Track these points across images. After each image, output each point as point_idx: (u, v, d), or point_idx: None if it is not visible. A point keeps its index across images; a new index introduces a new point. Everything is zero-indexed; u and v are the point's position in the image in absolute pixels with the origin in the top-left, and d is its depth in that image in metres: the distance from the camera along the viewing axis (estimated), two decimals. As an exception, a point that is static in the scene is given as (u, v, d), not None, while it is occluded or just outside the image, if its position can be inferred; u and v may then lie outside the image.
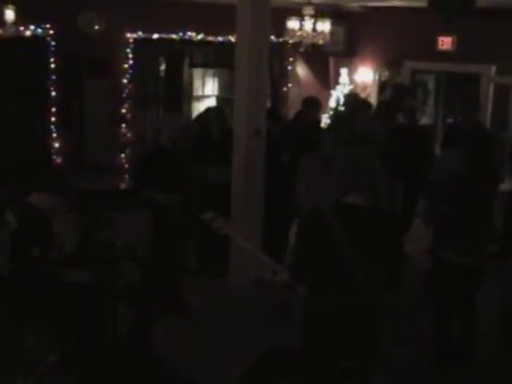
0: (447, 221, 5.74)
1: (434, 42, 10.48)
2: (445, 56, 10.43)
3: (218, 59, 11.82)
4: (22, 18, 8.76)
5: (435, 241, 6.29)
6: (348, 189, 4.14)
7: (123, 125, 10.62)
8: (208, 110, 8.56)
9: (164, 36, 10.63)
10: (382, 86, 11.45)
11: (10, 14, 8.33)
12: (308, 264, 4.20)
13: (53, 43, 9.86)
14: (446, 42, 10.39)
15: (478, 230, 5.72)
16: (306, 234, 4.37)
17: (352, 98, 10.65)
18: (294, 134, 8.04)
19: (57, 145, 10.21)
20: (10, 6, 8.40)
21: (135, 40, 10.51)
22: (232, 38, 9.42)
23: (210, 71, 12.75)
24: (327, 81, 12.08)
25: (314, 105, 8.35)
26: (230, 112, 8.14)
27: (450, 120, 10.89)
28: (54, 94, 10.03)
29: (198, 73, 12.51)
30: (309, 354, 4.24)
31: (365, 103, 9.29)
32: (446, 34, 10.22)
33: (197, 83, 12.55)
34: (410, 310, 7.02)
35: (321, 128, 8.74)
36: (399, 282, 7.47)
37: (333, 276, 4.08)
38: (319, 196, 6.00)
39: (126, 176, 10.59)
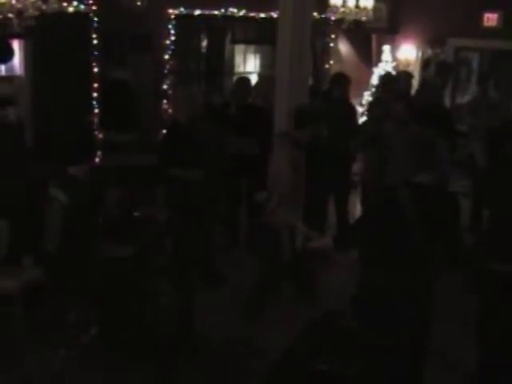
0: None
1: (479, 19, 10.28)
2: (490, 33, 10.23)
3: (259, 35, 11.74)
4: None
5: None
6: (413, 167, 4.09)
7: (164, 100, 10.65)
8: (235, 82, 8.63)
9: (206, 12, 10.61)
10: (425, 64, 11.28)
11: (53, -10, 8.37)
12: (369, 237, 4.12)
13: (95, 19, 9.89)
14: (491, 19, 10.17)
15: None
16: (377, 209, 4.28)
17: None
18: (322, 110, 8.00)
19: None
20: (54, -19, 8.44)
21: (177, 16, 10.52)
22: (274, 14, 9.35)
23: (252, 48, 12.67)
24: (369, 58, 11.94)
25: (340, 82, 8.28)
26: (272, 89, 8.12)
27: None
28: (95, 69, 10.08)
29: (239, 49, 12.46)
30: (357, 329, 4.20)
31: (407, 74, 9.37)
32: (492, 10, 10.01)
33: (238, 59, 12.50)
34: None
35: (350, 105, 8.65)
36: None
37: (395, 253, 4.00)
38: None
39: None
